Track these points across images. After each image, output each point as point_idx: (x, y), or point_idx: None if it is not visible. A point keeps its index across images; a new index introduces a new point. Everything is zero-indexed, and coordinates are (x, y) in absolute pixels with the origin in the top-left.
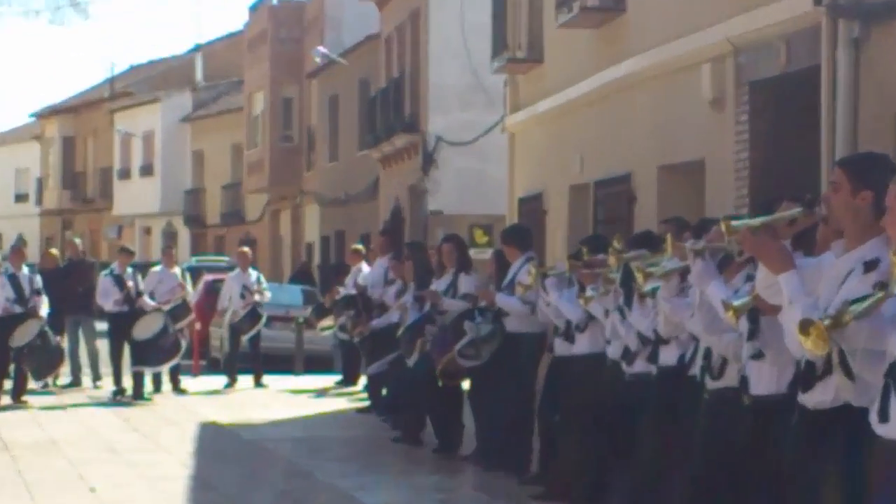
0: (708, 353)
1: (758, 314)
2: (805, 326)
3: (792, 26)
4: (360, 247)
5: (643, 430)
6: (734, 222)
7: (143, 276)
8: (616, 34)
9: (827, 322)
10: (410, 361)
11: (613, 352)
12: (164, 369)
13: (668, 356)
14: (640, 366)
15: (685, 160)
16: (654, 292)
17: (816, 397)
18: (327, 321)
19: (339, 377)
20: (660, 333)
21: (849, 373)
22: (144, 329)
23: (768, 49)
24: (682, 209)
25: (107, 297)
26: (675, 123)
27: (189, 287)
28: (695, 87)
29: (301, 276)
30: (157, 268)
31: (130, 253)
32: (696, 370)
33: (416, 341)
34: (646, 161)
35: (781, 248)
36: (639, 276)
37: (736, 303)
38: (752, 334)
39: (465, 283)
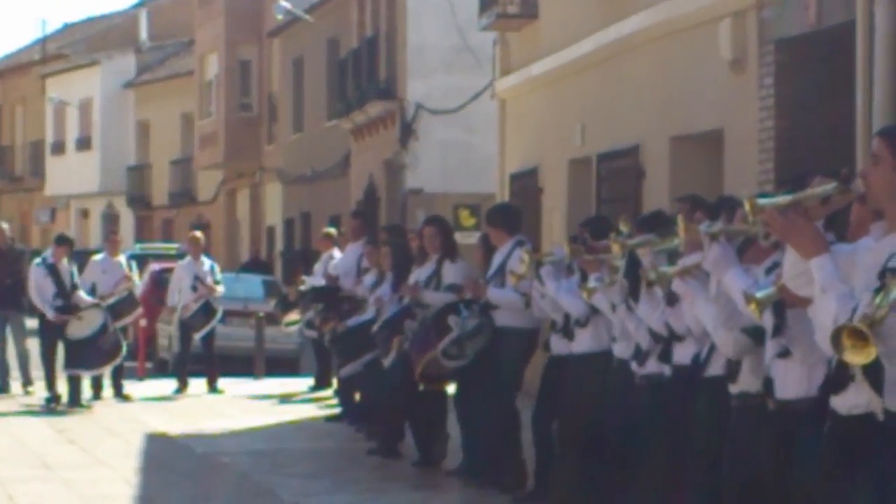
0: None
1: (784, 307)
2: (837, 338)
3: None
4: (331, 231)
5: (654, 440)
6: (759, 200)
7: (80, 267)
8: None
9: (861, 323)
10: (387, 362)
11: (621, 351)
12: (105, 372)
13: (682, 354)
14: (651, 366)
15: (701, 130)
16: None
17: (850, 400)
18: (292, 316)
19: (309, 380)
20: (673, 328)
21: (876, 383)
22: (81, 327)
23: (796, 2)
24: (697, 186)
25: (41, 292)
26: (690, 88)
27: (136, 278)
28: (712, 47)
29: (254, 265)
30: (98, 256)
31: (69, 242)
32: (716, 370)
33: (394, 339)
34: (656, 131)
35: (814, 229)
36: (651, 275)
37: (759, 294)
38: (778, 330)
39: (450, 272)
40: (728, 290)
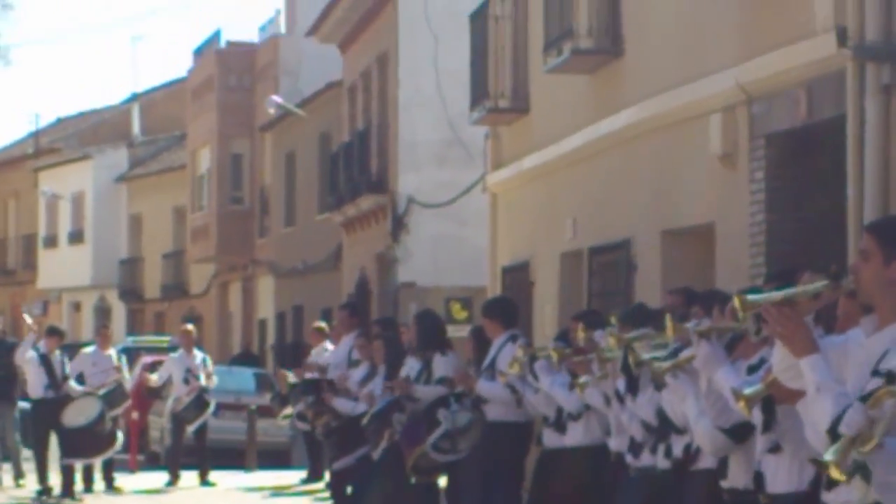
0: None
1: (772, 403)
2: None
3: (813, 71)
4: (322, 325)
5: None
6: (749, 297)
7: (71, 359)
8: (612, 80)
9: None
10: (376, 454)
11: (618, 444)
12: (97, 462)
13: (676, 446)
14: (646, 458)
15: (692, 224)
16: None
17: (843, 496)
18: (289, 410)
19: (301, 473)
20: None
21: (868, 478)
22: (77, 415)
23: (786, 97)
24: (689, 279)
25: (31, 381)
26: (681, 182)
27: (126, 372)
28: (702, 141)
29: (245, 357)
30: (89, 349)
31: (60, 335)
32: (707, 462)
33: (384, 432)
34: (647, 225)
35: (805, 328)
36: (657, 377)
37: (747, 391)
38: (768, 426)
39: (441, 366)
40: (719, 388)
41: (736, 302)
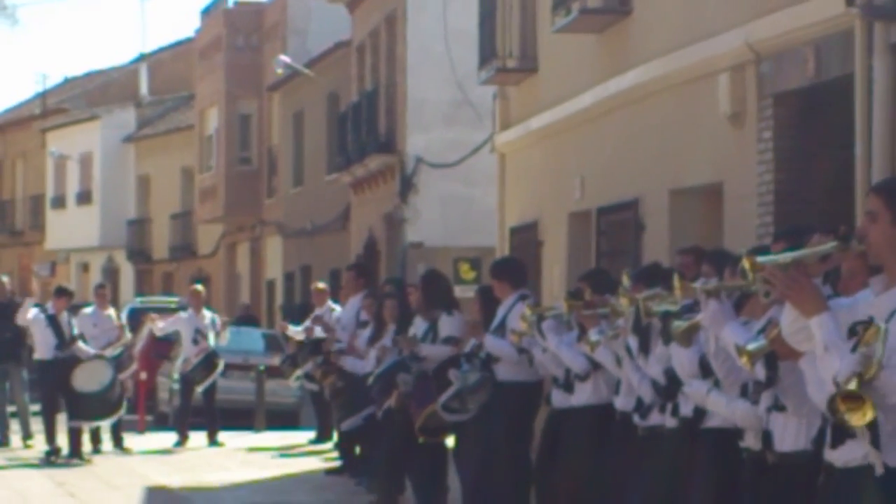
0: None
1: (776, 359)
2: (833, 404)
3: (821, 30)
4: (322, 286)
5: (654, 493)
6: (759, 258)
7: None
8: (620, 40)
9: (852, 385)
10: (380, 414)
11: (624, 404)
12: (106, 425)
13: (685, 406)
14: (654, 418)
15: (700, 183)
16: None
17: (847, 454)
18: (300, 372)
19: (310, 434)
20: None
21: (875, 437)
22: (88, 380)
23: (794, 56)
24: (696, 239)
25: (40, 341)
26: (689, 142)
27: (127, 332)
28: (711, 100)
29: (245, 320)
30: (88, 309)
31: (69, 295)
32: (717, 421)
33: (389, 392)
34: (655, 185)
35: (814, 288)
36: (680, 340)
37: (750, 346)
38: (770, 382)
39: (447, 325)
40: (726, 344)
41: (746, 263)
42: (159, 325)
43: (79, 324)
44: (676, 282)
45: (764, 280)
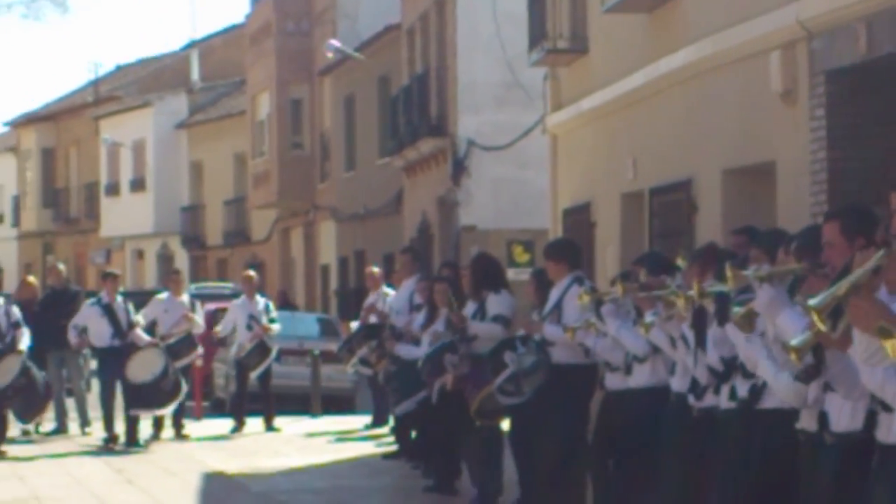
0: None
1: (822, 349)
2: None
3: (873, 6)
4: (375, 270)
5: (711, 474)
6: (811, 301)
7: (139, 306)
8: (671, 19)
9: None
10: (433, 395)
11: (680, 385)
12: (166, 412)
13: (742, 388)
14: (709, 399)
15: (753, 162)
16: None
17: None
18: (356, 357)
19: (365, 418)
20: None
21: None
22: (142, 370)
23: (846, 33)
24: (750, 218)
25: (95, 331)
26: (742, 121)
27: (199, 319)
28: (762, 79)
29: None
30: (163, 295)
31: (115, 277)
32: (773, 402)
33: (438, 373)
34: (708, 164)
35: (882, 309)
36: (742, 326)
37: (794, 342)
38: (818, 370)
39: (495, 304)
40: (782, 332)
41: (814, 317)
42: (216, 330)
43: (151, 309)
44: (728, 271)
45: (812, 263)
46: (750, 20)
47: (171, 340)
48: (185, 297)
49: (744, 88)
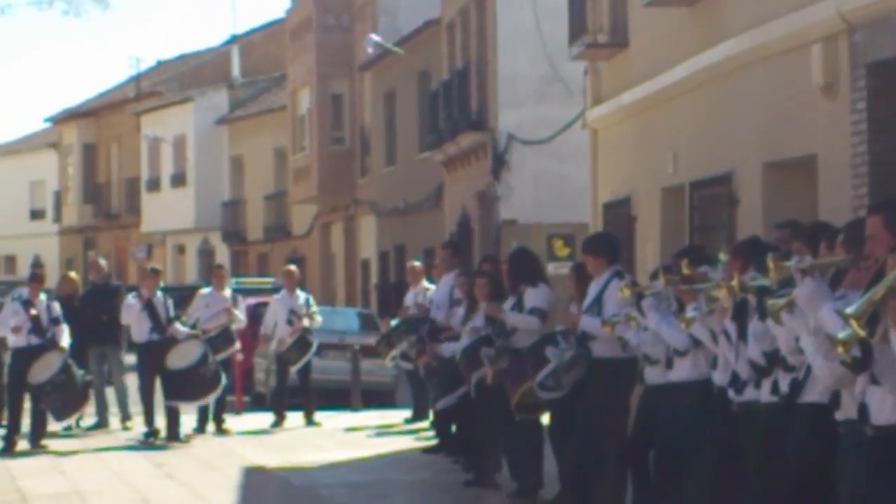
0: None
1: (869, 343)
2: None
3: None
4: (417, 263)
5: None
6: (849, 310)
7: (178, 301)
8: (712, 12)
9: None
10: (472, 389)
11: (721, 379)
12: (206, 403)
13: (783, 382)
14: (749, 393)
15: (794, 156)
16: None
17: None
18: (396, 351)
19: (406, 413)
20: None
21: None
22: (180, 358)
23: (887, 25)
24: (791, 211)
25: (135, 326)
26: (782, 114)
27: (241, 314)
28: (803, 72)
29: None
30: (205, 290)
31: (157, 273)
32: (813, 396)
33: (475, 367)
34: (749, 158)
35: None
36: (774, 316)
37: (841, 335)
38: (865, 364)
39: (532, 297)
40: (824, 326)
41: (853, 324)
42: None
43: (194, 304)
44: (770, 262)
45: (856, 253)
46: (791, 13)
47: (210, 334)
48: (227, 292)
49: (785, 82)
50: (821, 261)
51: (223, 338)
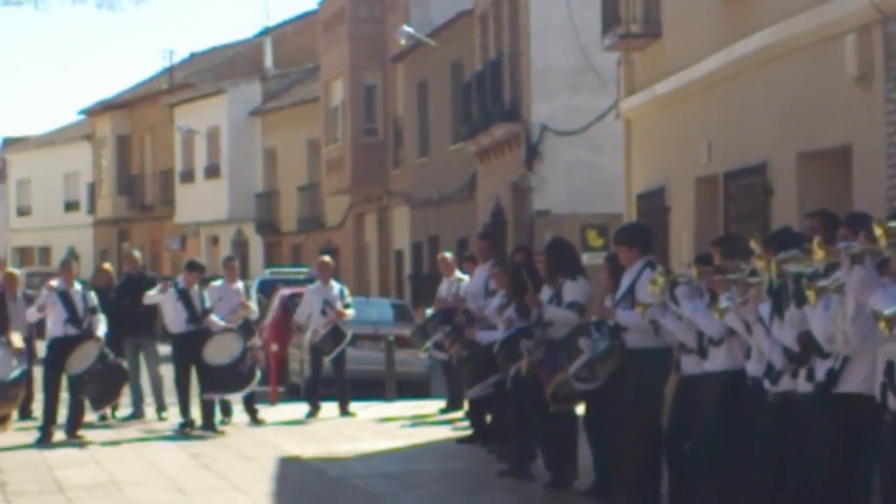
0: (891, 368)
1: None
2: None
3: None
4: (447, 255)
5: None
6: (886, 311)
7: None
8: (745, 2)
9: None
10: (509, 381)
11: (755, 369)
12: (239, 397)
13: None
14: (785, 383)
15: (829, 146)
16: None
17: None
18: (430, 342)
19: (440, 403)
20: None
21: None
22: (220, 352)
23: None
24: (826, 202)
25: (170, 316)
26: (816, 104)
27: (254, 305)
28: (837, 62)
29: None
30: (217, 282)
31: (200, 269)
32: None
33: (515, 358)
34: (783, 148)
35: None
36: (810, 295)
37: (887, 312)
38: None
39: (571, 291)
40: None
41: (878, 231)
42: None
43: (207, 296)
44: (816, 245)
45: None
46: (824, 3)
47: (235, 326)
48: (239, 284)
49: (819, 72)
50: (871, 247)
51: (246, 330)
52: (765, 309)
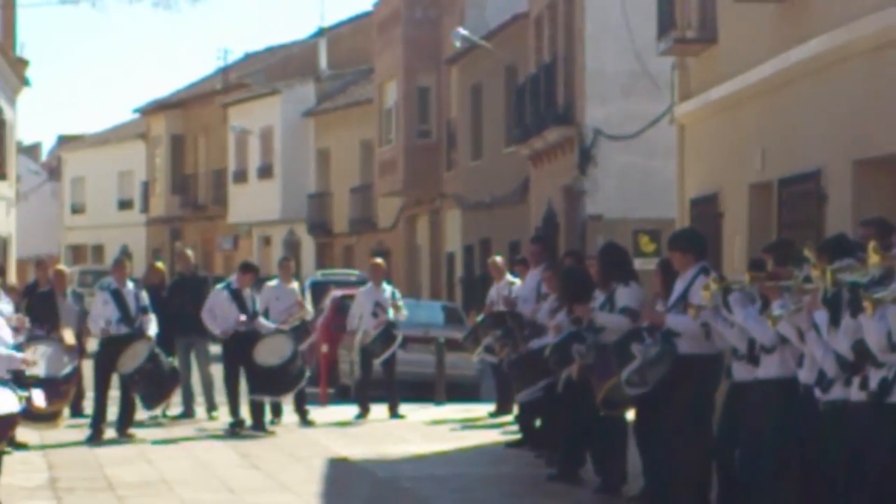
0: None
1: None
2: None
3: None
4: (498, 259)
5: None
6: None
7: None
8: (801, 8)
9: None
10: (560, 385)
11: (807, 377)
12: (287, 399)
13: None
14: (836, 392)
15: (884, 153)
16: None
17: None
18: (482, 346)
19: (490, 406)
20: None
21: None
22: (270, 354)
23: None
24: (881, 210)
25: (221, 315)
26: (872, 110)
27: (309, 305)
28: (894, 69)
29: None
30: (272, 282)
31: (254, 271)
32: None
33: (567, 363)
34: (838, 155)
35: None
36: (868, 306)
37: None
38: None
39: (623, 296)
40: None
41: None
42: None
43: (262, 296)
44: (871, 249)
45: None
46: (882, 9)
47: (291, 326)
48: (294, 284)
49: (874, 79)
50: None
51: (300, 331)
52: (819, 317)
